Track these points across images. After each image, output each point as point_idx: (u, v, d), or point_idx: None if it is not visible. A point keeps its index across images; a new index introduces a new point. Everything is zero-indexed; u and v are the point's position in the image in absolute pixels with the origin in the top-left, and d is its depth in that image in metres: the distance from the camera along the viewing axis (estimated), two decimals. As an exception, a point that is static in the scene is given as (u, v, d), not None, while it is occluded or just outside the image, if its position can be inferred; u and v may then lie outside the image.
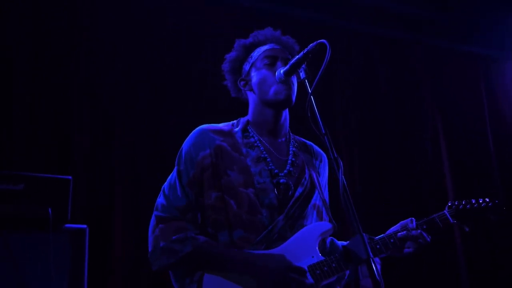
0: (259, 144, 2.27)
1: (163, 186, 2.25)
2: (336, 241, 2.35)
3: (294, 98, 2.30)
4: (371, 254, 1.62)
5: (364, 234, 1.65)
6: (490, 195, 2.45)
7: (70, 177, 3.23)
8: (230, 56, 2.47)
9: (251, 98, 2.39)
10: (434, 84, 5.82)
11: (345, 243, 2.25)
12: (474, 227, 2.34)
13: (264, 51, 2.35)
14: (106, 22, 4.42)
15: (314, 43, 1.95)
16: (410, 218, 2.26)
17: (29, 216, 3.05)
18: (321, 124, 1.85)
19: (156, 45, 4.56)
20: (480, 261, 5.42)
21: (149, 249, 2.14)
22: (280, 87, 2.24)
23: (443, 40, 5.88)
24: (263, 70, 2.32)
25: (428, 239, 2.24)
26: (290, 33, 2.47)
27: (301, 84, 1.98)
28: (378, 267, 3.71)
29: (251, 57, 2.39)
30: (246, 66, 2.40)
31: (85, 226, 3.22)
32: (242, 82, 2.41)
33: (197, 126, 2.36)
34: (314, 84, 1.88)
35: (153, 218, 2.19)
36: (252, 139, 2.28)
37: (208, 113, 3.82)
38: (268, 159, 2.23)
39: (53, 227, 3.04)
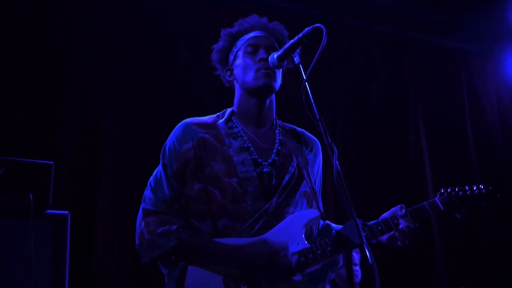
0: (242, 134, 2.25)
1: (149, 180, 2.25)
2: (332, 225, 2.35)
3: (276, 86, 2.28)
4: (364, 239, 1.62)
5: (358, 219, 1.65)
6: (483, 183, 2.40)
7: (51, 162, 3.19)
8: (217, 46, 2.44)
9: (236, 87, 2.38)
10: (417, 78, 5.88)
11: (339, 227, 2.23)
12: (467, 214, 2.29)
13: (247, 39, 2.33)
14: (106, 21, 4.42)
15: (310, 27, 1.93)
16: (399, 205, 2.23)
17: (9, 202, 3.00)
18: (315, 109, 1.83)
19: (156, 45, 4.58)
20: (458, 255, 5.50)
21: (136, 242, 2.16)
22: (259, 73, 2.23)
23: (425, 34, 5.92)
24: (245, 58, 2.30)
25: (416, 226, 2.21)
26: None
27: (295, 69, 1.95)
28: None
29: (236, 46, 2.37)
30: (231, 56, 2.38)
31: (66, 212, 3.19)
32: (228, 72, 2.39)
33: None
34: (309, 69, 1.85)
35: (140, 211, 2.20)
36: (235, 129, 2.27)
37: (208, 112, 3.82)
38: (251, 149, 2.22)
39: (34, 213, 3.00)
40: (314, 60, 1.83)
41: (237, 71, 2.33)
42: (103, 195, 4.06)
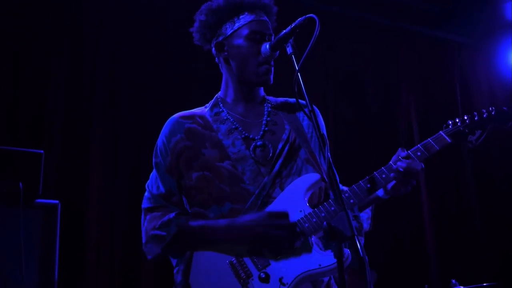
0: (229, 117, 2.22)
1: (146, 184, 2.25)
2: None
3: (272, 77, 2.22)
4: (355, 231, 1.61)
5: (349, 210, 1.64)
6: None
7: (42, 151, 3.17)
8: (210, 5, 2.23)
9: (226, 70, 2.26)
10: (409, 69, 5.87)
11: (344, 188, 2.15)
12: (480, 141, 2.08)
13: (252, 21, 2.17)
14: (97, 14, 4.39)
15: (303, 17, 1.91)
16: (400, 148, 2.10)
17: (-1, 190, 2.99)
18: (307, 100, 1.82)
19: (156, 44, 4.55)
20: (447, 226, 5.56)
21: (143, 241, 2.15)
22: (262, 70, 2.15)
23: (418, 26, 5.91)
24: (248, 44, 2.16)
25: (420, 166, 2.06)
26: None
27: (288, 59, 1.93)
28: (368, 218, 3.56)
29: (236, 21, 2.19)
30: (228, 29, 2.20)
31: (57, 201, 3.18)
32: (218, 45, 2.23)
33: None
34: (301, 59, 1.84)
35: (142, 213, 2.20)
36: (222, 114, 2.23)
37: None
38: (240, 128, 2.18)
39: (24, 202, 2.98)
40: (307, 51, 1.81)
41: (234, 53, 2.19)
42: (93, 185, 4.04)
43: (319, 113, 2.19)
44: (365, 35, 5.67)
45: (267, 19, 2.23)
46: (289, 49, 1.95)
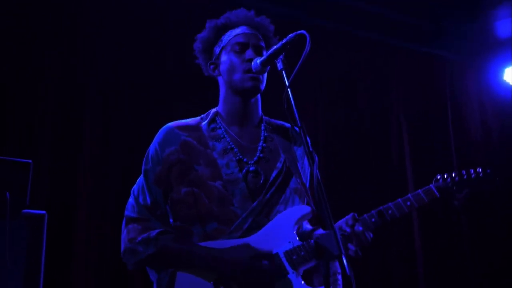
0: (225, 135, 2.23)
1: (132, 188, 2.25)
2: (322, 230, 2.21)
3: (262, 87, 2.26)
4: (343, 250, 1.61)
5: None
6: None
7: (30, 160, 3.14)
8: (201, 36, 2.39)
9: (221, 84, 2.35)
10: (400, 85, 5.89)
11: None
12: (465, 200, 2.14)
13: (235, 36, 2.29)
14: (89, 17, 4.35)
15: (294, 33, 1.92)
16: (351, 214, 2.14)
17: (-15, 200, 2.95)
18: (297, 117, 1.82)
19: (156, 44, 4.51)
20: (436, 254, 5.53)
21: (121, 250, 2.16)
22: (247, 76, 2.20)
23: (409, 42, 5.93)
24: (232, 56, 2.26)
25: (370, 237, 2.09)
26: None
27: (278, 75, 1.94)
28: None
29: (222, 40, 2.32)
30: (217, 49, 2.33)
31: (44, 212, 3.14)
32: (212, 66, 2.36)
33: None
34: (292, 76, 1.85)
35: (124, 219, 2.20)
36: (219, 131, 2.25)
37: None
38: (235, 150, 2.20)
39: (10, 212, 2.94)
40: (297, 67, 1.82)
41: (223, 68, 2.29)
42: (82, 195, 4.00)
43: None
44: (356, 51, 5.68)
45: (253, 31, 2.31)
46: (279, 65, 1.97)
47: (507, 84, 6.18)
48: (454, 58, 6.24)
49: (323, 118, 5.33)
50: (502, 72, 6.19)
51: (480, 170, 2.21)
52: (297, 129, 1.87)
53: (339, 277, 3.93)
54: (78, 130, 4.13)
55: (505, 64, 6.15)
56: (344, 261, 1.59)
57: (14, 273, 2.95)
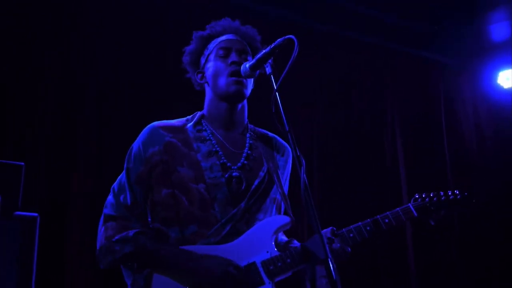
0: (211, 138, 2.24)
1: (112, 186, 2.24)
2: (296, 242, 2.30)
3: (247, 92, 2.28)
4: (329, 254, 1.61)
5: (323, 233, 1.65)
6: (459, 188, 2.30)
7: (22, 163, 3.14)
8: (189, 48, 2.43)
9: (207, 90, 2.37)
10: (395, 89, 5.90)
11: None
12: (441, 221, 2.20)
13: (219, 42, 2.33)
14: (87, 17, 4.34)
15: (282, 38, 1.93)
16: (330, 228, 2.14)
17: (-23, 202, 2.95)
18: (285, 121, 1.83)
19: (156, 44, 4.50)
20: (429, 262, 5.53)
21: (97, 247, 2.15)
22: (231, 79, 2.22)
23: (404, 46, 5.94)
24: (216, 62, 2.29)
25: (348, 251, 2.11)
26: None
27: (267, 79, 1.95)
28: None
29: (207, 49, 2.36)
30: (203, 59, 2.38)
31: (36, 214, 3.13)
32: (199, 75, 2.39)
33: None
34: (280, 80, 1.85)
35: (102, 216, 2.20)
36: (204, 133, 2.26)
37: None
38: (220, 153, 2.21)
39: (2, 214, 2.94)
40: (285, 71, 1.83)
41: (208, 74, 2.32)
42: (75, 198, 3.99)
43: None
44: (351, 55, 5.69)
45: (238, 38, 2.35)
46: (268, 69, 1.98)
47: (501, 88, 6.19)
48: (448, 62, 6.26)
49: (323, 120, 5.34)
50: (496, 75, 6.22)
51: (458, 192, 2.25)
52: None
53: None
54: (71, 134, 4.10)
55: (499, 67, 6.17)
56: (331, 265, 1.59)
57: (6, 276, 2.94)
